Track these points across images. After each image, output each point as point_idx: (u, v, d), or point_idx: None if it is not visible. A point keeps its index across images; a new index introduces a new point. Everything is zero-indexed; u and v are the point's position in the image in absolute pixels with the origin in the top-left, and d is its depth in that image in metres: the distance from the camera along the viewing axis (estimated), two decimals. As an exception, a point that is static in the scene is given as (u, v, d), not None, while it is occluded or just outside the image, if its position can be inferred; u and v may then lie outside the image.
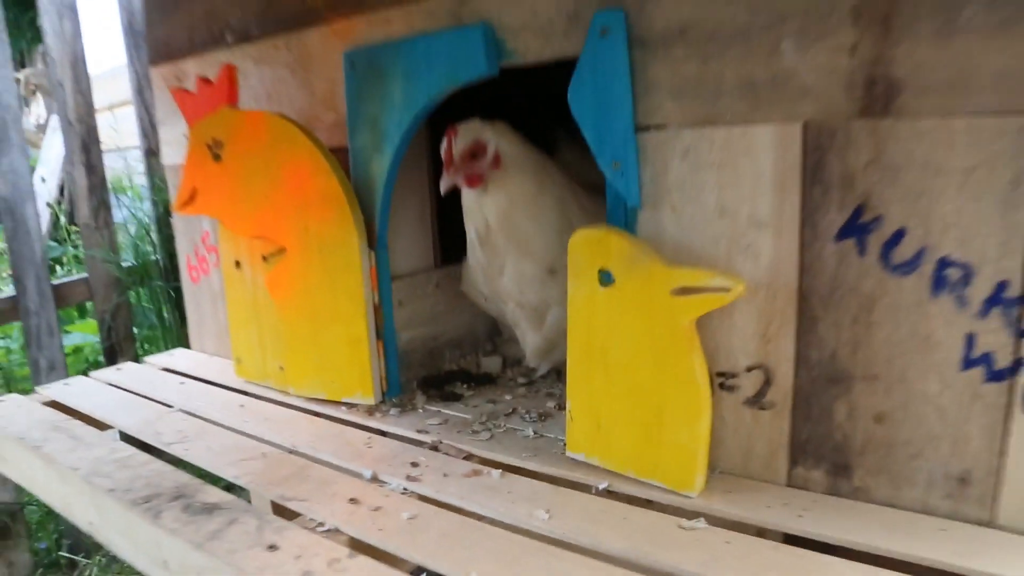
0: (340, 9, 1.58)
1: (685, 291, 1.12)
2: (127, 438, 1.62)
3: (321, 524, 1.18)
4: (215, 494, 1.28)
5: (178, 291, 2.97)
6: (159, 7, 2.01)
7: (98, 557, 2.88)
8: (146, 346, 3.12)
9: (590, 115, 1.26)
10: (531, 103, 1.95)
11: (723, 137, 1.16)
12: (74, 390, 1.94)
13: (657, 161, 1.23)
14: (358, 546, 1.11)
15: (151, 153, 2.96)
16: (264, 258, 1.65)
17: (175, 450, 1.50)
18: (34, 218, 2.78)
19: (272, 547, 1.10)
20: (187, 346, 2.33)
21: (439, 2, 1.42)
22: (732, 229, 1.18)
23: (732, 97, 1.15)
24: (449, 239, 1.79)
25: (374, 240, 1.55)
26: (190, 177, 1.69)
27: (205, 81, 1.65)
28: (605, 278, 1.19)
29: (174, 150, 2.09)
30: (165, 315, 3.00)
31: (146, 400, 1.82)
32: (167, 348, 2.79)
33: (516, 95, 1.87)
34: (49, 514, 3.04)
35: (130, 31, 2.89)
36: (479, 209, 1.50)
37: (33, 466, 1.61)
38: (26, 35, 5.91)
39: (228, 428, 1.59)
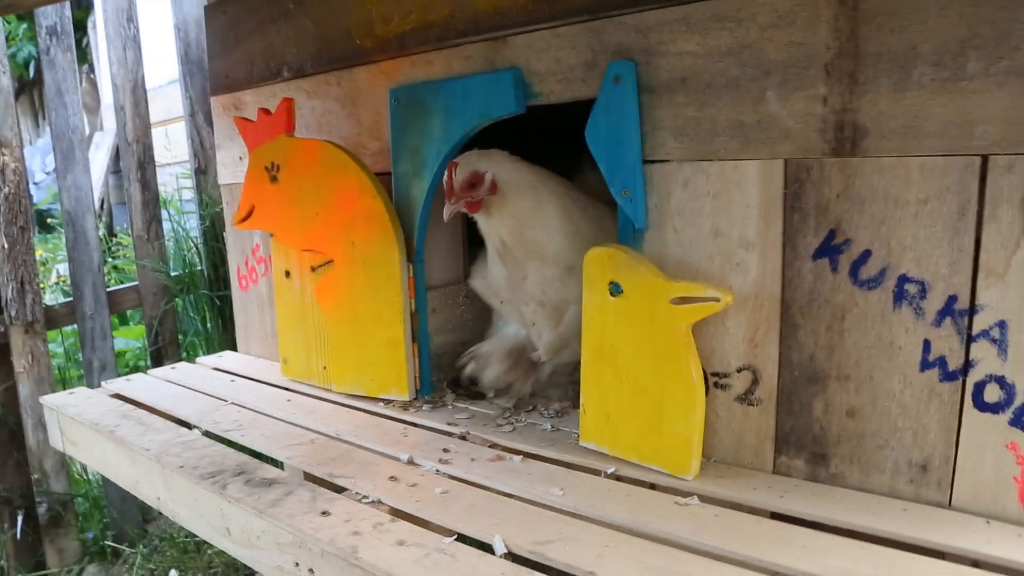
0: (387, 51, 1.79)
1: (682, 300, 1.31)
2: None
3: (365, 497, 1.36)
4: (272, 471, 1.48)
5: (221, 299, 3.19)
6: (222, 43, 2.24)
7: (141, 547, 3.08)
8: (189, 351, 3.34)
9: (604, 149, 1.46)
10: (558, 133, 2.15)
11: (717, 170, 1.36)
12: (136, 385, 2.15)
13: (661, 190, 1.42)
14: (398, 514, 1.29)
15: (200, 171, 3.20)
16: (312, 269, 1.85)
17: (232, 436, 1.69)
18: (93, 229, 3.02)
19: (325, 513, 1.30)
20: (232, 349, 2.53)
21: (475, 48, 1.63)
22: (725, 248, 1.36)
23: (725, 137, 1.34)
24: (476, 256, 2.00)
25: (412, 254, 1.75)
26: (248, 196, 1.91)
27: (265, 112, 1.86)
28: (615, 289, 1.39)
29: (229, 171, 2.31)
30: (208, 322, 3.22)
31: (201, 394, 2.02)
32: (209, 352, 3.01)
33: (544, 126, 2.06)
34: (95, 506, 3.25)
35: (185, 60, 3.14)
36: (493, 230, 1.67)
37: (105, 449, 1.82)
38: (77, 48, 6.22)
39: (277, 419, 1.79)
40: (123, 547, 3.13)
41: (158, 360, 3.22)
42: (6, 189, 2.81)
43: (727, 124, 1.34)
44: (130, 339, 3.90)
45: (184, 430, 1.74)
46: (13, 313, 2.87)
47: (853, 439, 1.30)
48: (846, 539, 1.15)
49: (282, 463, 1.62)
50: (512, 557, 1.14)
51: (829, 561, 1.08)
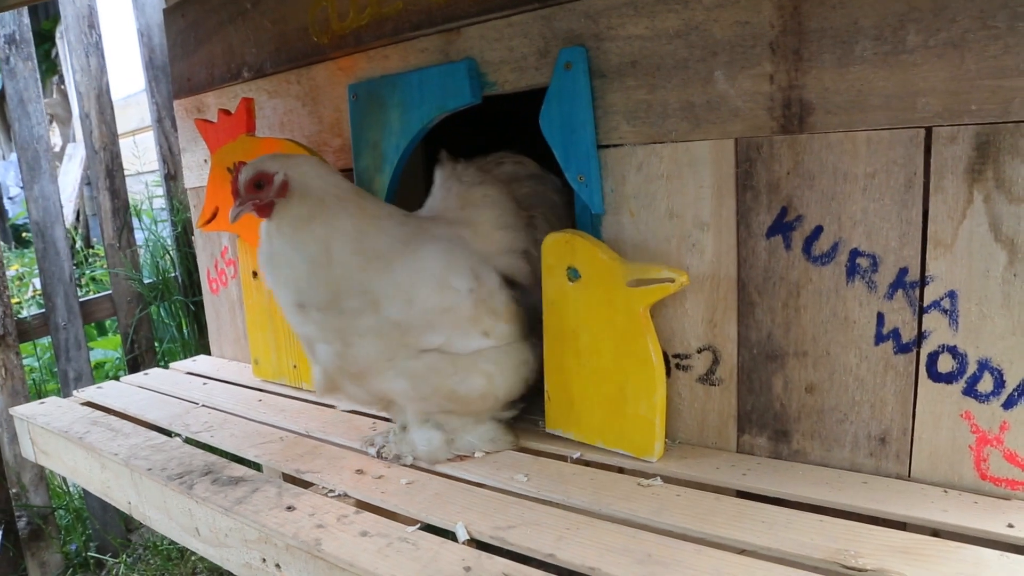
0: (344, 47, 1.79)
1: (639, 283, 1.31)
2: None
3: (332, 491, 1.37)
4: (240, 469, 1.47)
5: (196, 305, 3.18)
6: (182, 46, 2.23)
7: (124, 556, 3.07)
8: (167, 358, 3.32)
9: (558, 136, 1.46)
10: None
11: (670, 152, 1.36)
12: (107, 392, 2.14)
13: (616, 174, 1.43)
14: (363, 506, 1.30)
15: (169, 177, 3.18)
16: (279, 268, 1.85)
17: (202, 437, 1.69)
18: (63, 239, 2.99)
19: (290, 508, 1.30)
20: (206, 355, 2.53)
21: (430, 40, 1.63)
22: (680, 230, 1.37)
23: (676, 118, 1.35)
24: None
25: (376, 249, 1.75)
26: (212, 197, 1.90)
27: (225, 112, 1.86)
28: (572, 274, 1.39)
29: (195, 174, 2.30)
30: (184, 328, 3.21)
31: (173, 398, 2.01)
32: (186, 358, 2.99)
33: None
34: (77, 518, 3.23)
35: (150, 65, 3.12)
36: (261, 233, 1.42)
37: (76, 456, 1.81)
38: (40, 66, 6.17)
39: (248, 419, 1.79)
40: (106, 558, 3.11)
41: (135, 368, 3.19)
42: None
43: (678, 106, 1.34)
44: (108, 349, 3.88)
45: (154, 434, 1.73)
46: (-16, 326, 2.85)
47: (813, 415, 1.31)
48: (807, 513, 1.16)
49: (261, 464, 1.62)
50: (474, 543, 1.14)
51: (788, 535, 1.09)
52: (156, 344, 3.32)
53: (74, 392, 2.17)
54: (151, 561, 3.05)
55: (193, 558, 3.01)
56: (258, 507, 1.31)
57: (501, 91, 1.55)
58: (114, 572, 3.03)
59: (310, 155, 1.56)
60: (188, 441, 1.67)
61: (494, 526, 1.17)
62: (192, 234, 3.07)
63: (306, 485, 1.40)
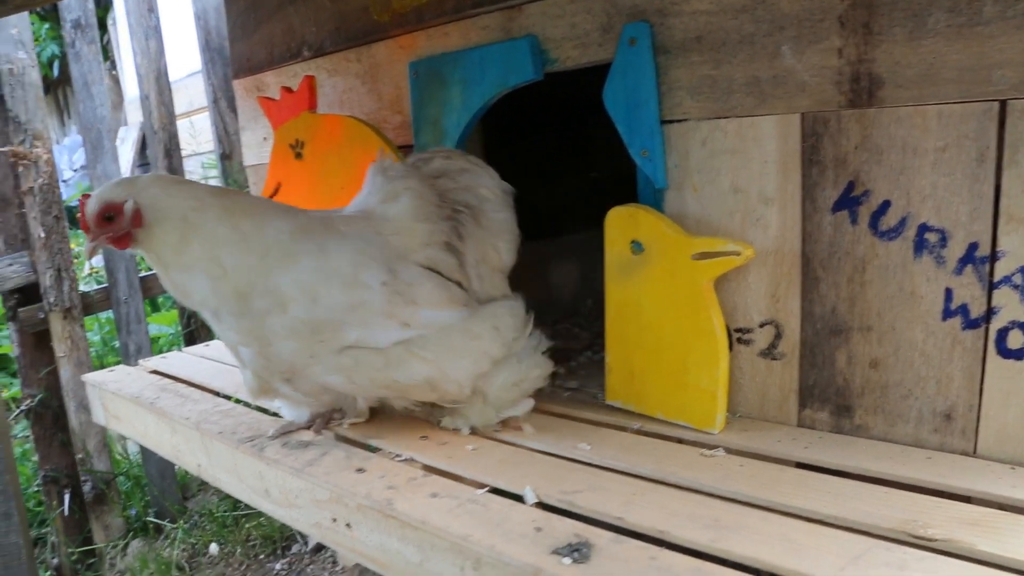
0: (404, 25, 1.82)
1: (704, 256, 1.33)
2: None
3: (398, 455, 1.41)
4: (307, 434, 1.52)
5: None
6: (242, 27, 2.28)
7: (181, 522, 3.18)
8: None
9: (621, 111, 1.47)
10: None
11: (734, 127, 1.37)
12: (171, 362, 2.21)
13: (680, 149, 1.44)
14: (430, 470, 1.34)
15: (225, 157, 3.26)
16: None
17: (267, 405, 1.74)
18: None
19: (360, 470, 1.34)
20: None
21: (492, 18, 1.65)
22: (744, 204, 1.38)
23: (741, 94, 1.35)
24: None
25: (438, 224, 1.79)
26: (274, 173, 1.95)
27: (288, 90, 1.90)
28: (635, 247, 1.41)
29: (254, 152, 2.36)
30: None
31: (235, 368, 2.07)
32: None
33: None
34: (137, 485, 3.35)
35: (206, 48, 3.19)
36: (150, 264, 1.40)
37: (146, 421, 1.88)
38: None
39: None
40: (164, 523, 3.22)
41: (191, 342, 3.29)
42: (40, 180, 2.89)
43: (743, 81, 1.35)
44: (163, 325, 3.99)
45: (221, 400, 1.79)
46: (52, 300, 2.96)
47: (877, 390, 1.31)
48: (872, 485, 1.17)
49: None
50: (542, 506, 1.17)
51: (855, 505, 1.10)
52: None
53: (139, 362, 2.24)
54: (207, 527, 3.16)
55: (247, 525, 3.11)
56: (328, 469, 1.36)
57: (563, 67, 1.57)
58: (172, 537, 3.15)
59: (156, 174, 1.54)
60: (257, 408, 1.73)
61: (561, 490, 1.20)
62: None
63: (373, 450, 1.44)
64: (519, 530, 1.10)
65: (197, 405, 1.78)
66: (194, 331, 3.30)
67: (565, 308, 2.29)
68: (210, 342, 2.44)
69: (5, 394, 2.99)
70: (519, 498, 1.20)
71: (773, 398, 1.42)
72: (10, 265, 2.94)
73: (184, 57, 3.74)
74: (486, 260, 1.54)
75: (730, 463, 1.27)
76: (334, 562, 2.85)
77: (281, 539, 3.04)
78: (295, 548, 3.00)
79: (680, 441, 1.38)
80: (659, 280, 1.38)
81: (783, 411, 1.42)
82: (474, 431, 1.48)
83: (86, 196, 1.33)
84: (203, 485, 3.47)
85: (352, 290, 1.35)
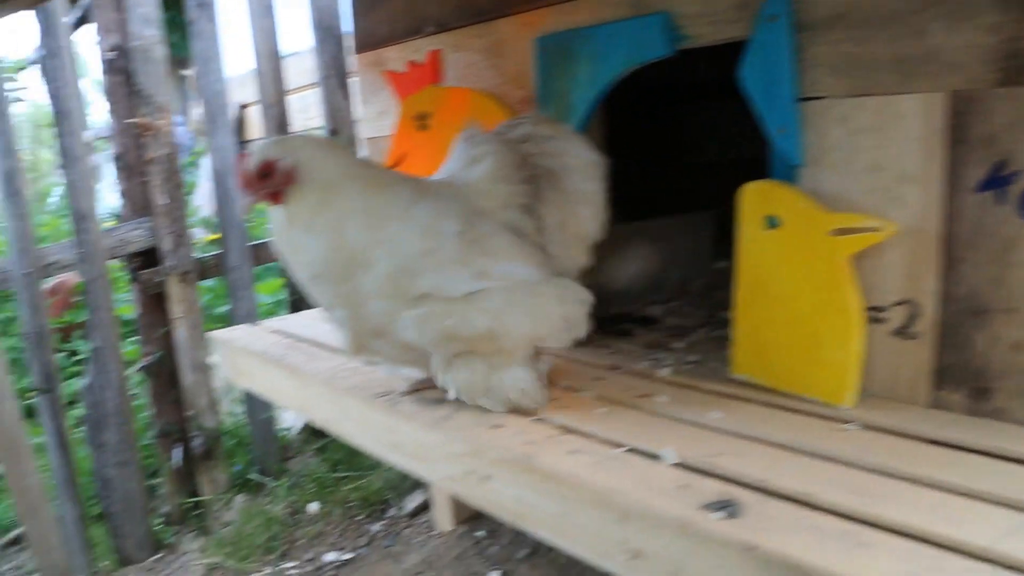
0: (531, 2, 1.86)
1: (843, 231, 1.34)
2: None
3: (530, 416, 1.46)
4: (439, 393, 1.59)
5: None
6: (365, 4, 2.36)
7: (284, 480, 3.33)
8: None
9: (758, 89, 1.49)
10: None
11: (876, 105, 1.37)
12: (290, 323, 2.32)
13: (817, 127, 1.44)
14: (566, 430, 1.39)
15: (333, 132, 3.37)
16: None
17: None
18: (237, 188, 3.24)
19: (496, 426, 1.41)
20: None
21: (622, -6, 1.68)
22: (883, 183, 1.38)
23: (885, 71, 1.35)
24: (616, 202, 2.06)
25: (560, 196, 1.83)
26: (399, 144, 2.03)
27: (414, 64, 1.97)
28: (771, 222, 1.43)
29: (372, 125, 2.44)
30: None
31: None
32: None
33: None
34: (240, 444, 3.52)
35: (318, 26, 3.30)
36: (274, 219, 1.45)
37: (275, 376, 1.99)
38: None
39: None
40: (267, 480, 3.38)
41: (296, 310, 3.43)
42: (163, 150, 3.05)
43: (887, 59, 1.34)
44: (264, 294, 4.16)
45: (346, 359, 1.88)
46: (170, 264, 3.13)
47: (1018, 373, 1.30)
48: (1018, 466, 1.16)
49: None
50: (682, 467, 1.21)
51: (1007, 483, 1.10)
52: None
53: (260, 323, 2.36)
54: (308, 487, 3.31)
55: (345, 487, 3.24)
56: (464, 425, 1.43)
57: (695, 44, 1.59)
58: (273, 494, 3.30)
59: (307, 136, 1.57)
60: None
61: (700, 453, 1.23)
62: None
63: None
64: (664, 486, 1.14)
65: (325, 362, 1.87)
66: (298, 299, 3.44)
67: (674, 288, 2.31)
68: (325, 307, 2.55)
69: (127, 352, 3.18)
70: (657, 460, 1.24)
71: (905, 378, 1.42)
72: (134, 230, 3.11)
73: (291, 35, 3.87)
74: (565, 226, 1.55)
75: (866, 437, 1.29)
76: (430, 527, 2.95)
77: (379, 502, 3.16)
78: (391, 511, 3.12)
79: (811, 415, 1.40)
80: (795, 255, 1.40)
81: (915, 391, 1.42)
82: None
83: (245, 152, 1.41)
84: (303, 447, 3.62)
85: (428, 237, 1.39)
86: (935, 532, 0.99)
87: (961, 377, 1.36)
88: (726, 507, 1.07)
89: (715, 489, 1.12)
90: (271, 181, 1.37)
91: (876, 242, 1.32)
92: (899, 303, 1.40)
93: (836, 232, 1.34)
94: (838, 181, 1.43)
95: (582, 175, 1.57)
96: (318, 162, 1.40)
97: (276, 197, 1.40)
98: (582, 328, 1.48)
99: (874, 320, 1.43)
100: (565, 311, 1.45)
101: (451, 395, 1.49)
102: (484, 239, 1.42)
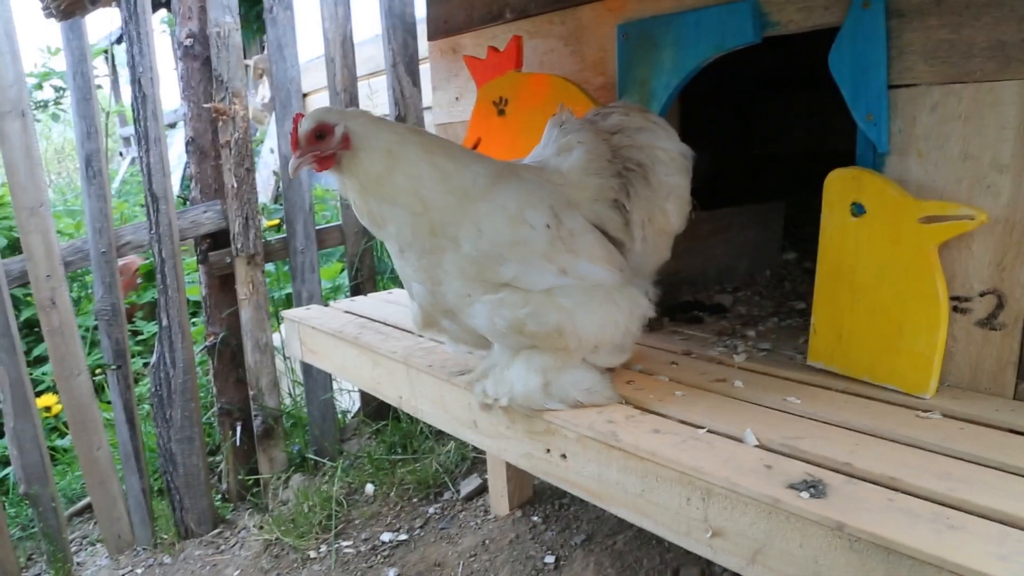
0: (614, -10, 1.88)
1: (932, 219, 1.33)
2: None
3: (609, 397, 1.48)
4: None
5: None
6: (441, -9, 2.40)
7: (341, 461, 3.40)
8: (385, 288, 3.61)
9: (848, 75, 1.48)
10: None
11: (971, 93, 1.35)
12: (361, 305, 2.37)
13: (906, 114, 1.43)
14: (645, 411, 1.40)
15: (400, 119, 3.42)
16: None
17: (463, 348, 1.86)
18: (304, 173, 3.31)
19: (577, 405, 1.42)
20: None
21: (709, -19, 1.68)
22: (974, 171, 1.36)
23: (982, 58, 1.33)
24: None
25: (635, 183, 1.85)
26: (475, 128, 2.06)
27: (494, 49, 2.00)
28: (857, 209, 1.42)
29: (444, 111, 2.48)
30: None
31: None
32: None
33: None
34: (297, 424, 3.60)
35: (388, 14, 3.35)
36: (345, 191, 1.45)
37: (347, 355, 2.04)
38: (252, 27, 6.69)
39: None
40: (324, 461, 3.46)
41: (357, 294, 3.50)
42: (236, 134, 3.14)
43: (985, 45, 1.33)
44: (324, 279, 4.24)
45: (420, 338, 1.92)
46: (239, 246, 3.22)
47: (1106, 365, 1.28)
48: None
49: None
50: (764, 449, 1.22)
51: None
52: (376, 277, 3.62)
53: (330, 303, 2.42)
54: (364, 468, 3.37)
55: (402, 470, 3.29)
56: (543, 403, 1.45)
57: (784, 31, 1.59)
58: (330, 475, 3.37)
59: (359, 109, 1.57)
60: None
61: (781, 436, 1.24)
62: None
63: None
64: (749, 466, 1.15)
65: (399, 342, 1.91)
66: (360, 283, 3.51)
67: (742, 277, 2.31)
68: (392, 290, 2.60)
69: (191, 332, 3.27)
70: (738, 442, 1.25)
71: (988, 369, 1.41)
72: (205, 212, 3.21)
73: (359, 23, 3.94)
74: (653, 221, 1.53)
75: (949, 425, 1.28)
76: (486, 511, 2.99)
77: (434, 485, 3.21)
78: (447, 495, 3.16)
79: (891, 403, 1.39)
80: (881, 243, 1.39)
81: (998, 382, 1.40)
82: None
83: (300, 115, 1.42)
84: (359, 429, 3.69)
85: (516, 226, 1.38)
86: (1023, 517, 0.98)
87: (1049, 370, 1.34)
88: (813, 487, 1.07)
89: (799, 470, 1.13)
90: (325, 144, 1.39)
91: (967, 231, 1.31)
92: (985, 293, 1.39)
93: (925, 220, 1.33)
94: (926, 169, 1.42)
95: (670, 168, 1.55)
96: (372, 129, 1.41)
97: (327, 162, 1.41)
98: (634, 340, 1.52)
99: (958, 310, 1.42)
100: (630, 323, 1.47)
101: (503, 402, 1.46)
102: (571, 236, 1.41)
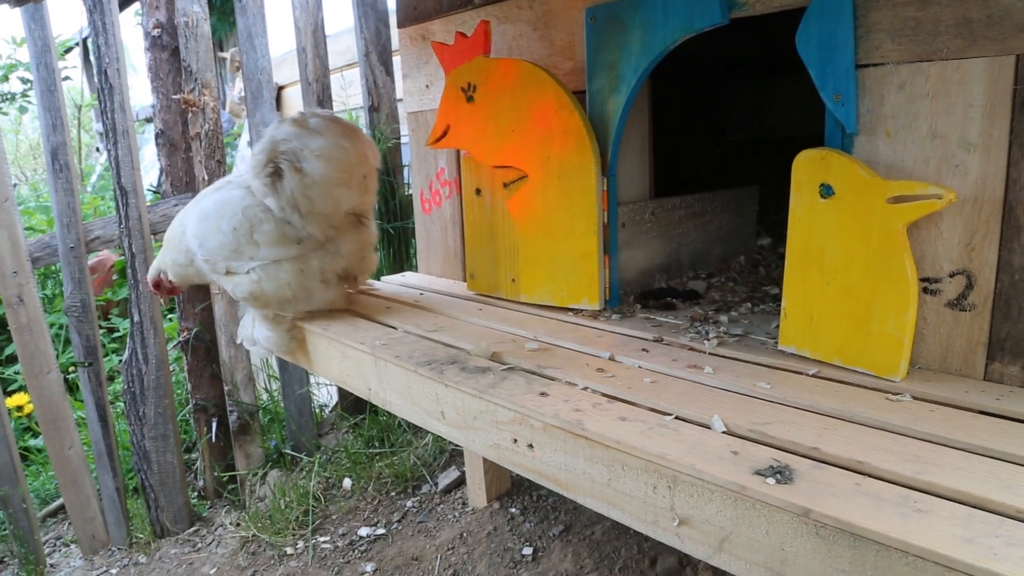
0: (580, -29, 1.84)
1: (900, 199, 1.31)
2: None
3: (575, 385, 1.46)
4: (482, 361, 1.60)
5: (390, 231, 3.38)
6: (409, -24, 2.35)
7: (317, 456, 3.36)
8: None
9: (815, 55, 1.46)
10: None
11: (938, 71, 1.33)
12: (333, 298, 2.33)
13: (874, 93, 1.41)
14: (612, 399, 1.38)
15: (373, 109, 3.38)
16: (505, 185, 1.95)
17: (435, 336, 1.83)
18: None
19: (543, 394, 1.40)
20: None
21: (676, -39, 1.65)
22: (942, 150, 1.35)
23: (948, 35, 1.32)
24: (660, 176, 2.05)
25: (606, 168, 1.82)
26: (444, 116, 2.02)
27: (462, 35, 1.96)
28: (825, 191, 1.40)
29: (415, 99, 2.44)
30: (381, 251, 3.43)
31: (397, 303, 2.18)
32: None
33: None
34: (274, 419, 3.56)
35: (361, 2, 3.30)
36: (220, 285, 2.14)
37: (316, 347, 2.00)
38: (229, 19, 6.63)
39: (473, 323, 1.92)
40: (301, 456, 3.42)
41: (332, 287, 3.46)
42: (207, 126, 3.08)
43: (952, 22, 1.31)
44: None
45: (389, 329, 1.89)
46: (210, 239, 3.16)
47: (1078, 345, 1.27)
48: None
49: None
50: (731, 435, 1.20)
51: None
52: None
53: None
54: (342, 463, 3.34)
55: (379, 464, 3.26)
56: (511, 392, 1.42)
57: (752, 12, 1.56)
58: (307, 470, 3.34)
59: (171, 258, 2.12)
60: (424, 337, 1.81)
61: (750, 421, 1.22)
62: (394, 163, 3.26)
63: (550, 379, 1.50)
64: (715, 452, 1.13)
65: (367, 333, 1.88)
66: (335, 276, 3.47)
67: (716, 263, 2.29)
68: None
69: (165, 327, 3.22)
70: (706, 428, 1.23)
71: (958, 350, 1.40)
72: (175, 206, 3.15)
73: (335, 14, 3.89)
74: (299, 206, 1.89)
75: (919, 408, 1.26)
76: (464, 503, 2.96)
77: (412, 479, 3.18)
78: (425, 488, 3.13)
79: (861, 386, 1.38)
80: (849, 224, 1.37)
81: (968, 364, 1.39)
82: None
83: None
84: (337, 423, 3.65)
85: (217, 236, 1.92)
86: (991, 499, 0.97)
87: (1017, 349, 1.33)
88: (780, 472, 1.05)
89: (767, 456, 1.11)
90: (164, 283, 2.18)
91: (935, 210, 1.29)
92: (954, 274, 1.37)
93: (894, 200, 1.32)
94: (895, 149, 1.40)
95: (314, 161, 1.87)
96: (178, 261, 2.10)
97: (175, 291, 2.24)
98: (322, 295, 2.02)
99: (928, 291, 1.40)
100: (303, 281, 1.96)
101: (237, 341, 2.23)
102: (253, 230, 1.90)
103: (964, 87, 1.31)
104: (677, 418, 1.27)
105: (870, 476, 1.05)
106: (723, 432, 1.20)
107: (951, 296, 1.38)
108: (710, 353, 1.59)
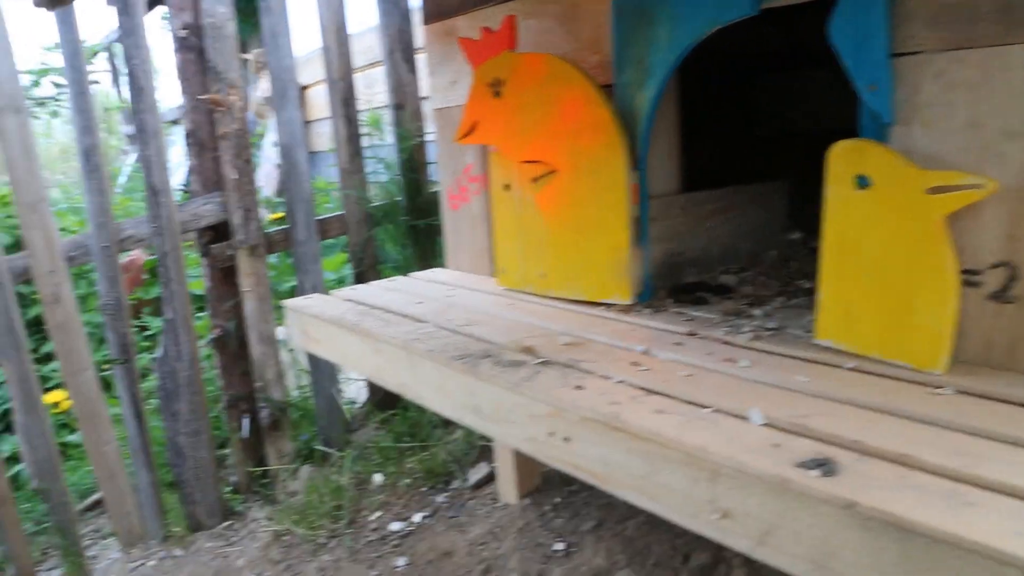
0: (608, -35, 1.83)
1: (940, 189, 1.29)
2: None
3: (609, 378, 1.46)
4: (517, 355, 1.60)
5: (416, 228, 3.40)
6: (435, -27, 2.36)
7: (349, 451, 3.39)
8: (387, 276, 3.59)
9: (849, 45, 1.44)
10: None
11: (977, 58, 1.31)
12: (361, 293, 2.35)
13: (909, 83, 1.39)
14: (649, 391, 1.37)
15: (398, 107, 3.39)
16: (534, 180, 1.95)
17: (468, 331, 1.83)
18: (304, 162, 3.28)
19: (579, 387, 1.40)
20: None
21: (706, -48, 1.64)
22: (982, 140, 1.32)
23: (988, 21, 1.29)
24: (690, 170, 2.04)
25: (636, 162, 1.81)
26: (471, 112, 2.03)
27: (488, 30, 1.96)
28: (861, 182, 1.39)
29: (441, 96, 2.45)
30: (407, 248, 3.45)
31: (427, 299, 2.19)
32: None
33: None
34: (304, 416, 3.60)
35: (383, 0, 3.32)
36: None
37: (348, 342, 2.02)
38: (252, 20, 6.66)
39: (505, 317, 1.92)
40: (332, 451, 3.45)
41: (360, 283, 3.48)
42: (234, 126, 3.11)
43: (991, 8, 1.29)
44: (327, 270, 4.22)
45: (422, 324, 1.90)
46: (240, 238, 3.20)
47: (1125, 335, 1.25)
48: None
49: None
50: (771, 428, 1.19)
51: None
52: (378, 266, 3.60)
53: (331, 292, 2.40)
54: (373, 458, 3.36)
55: (410, 459, 3.28)
56: (546, 386, 1.43)
57: (782, 2, 1.55)
58: (338, 465, 3.37)
59: None
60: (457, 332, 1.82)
61: (789, 414, 1.21)
62: (421, 160, 3.28)
63: (584, 373, 1.50)
64: (756, 445, 1.12)
65: (400, 327, 1.89)
66: (363, 272, 3.49)
67: (746, 258, 2.28)
68: (394, 278, 2.58)
69: (197, 325, 3.27)
70: (745, 421, 1.22)
71: (1001, 343, 1.38)
72: (205, 205, 3.19)
73: (359, 12, 3.91)
74: None
75: (963, 401, 1.25)
76: (494, 499, 2.97)
77: (443, 474, 3.19)
78: (455, 483, 3.15)
79: (901, 380, 1.36)
80: (887, 215, 1.36)
81: (1012, 357, 1.37)
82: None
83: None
84: (367, 419, 3.68)
85: None
86: (1047, 493, 0.96)
87: (1063, 342, 1.31)
88: (823, 465, 1.04)
89: (809, 448, 1.10)
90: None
91: (975, 200, 1.27)
92: (996, 265, 1.35)
93: (933, 191, 1.30)
94: (932, 139, 1.38)
95: None
96: None
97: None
98: None
99: (969, 283, 1.38)
100: None
101: None
102: None
103: (1005, 74, 1.29)
104: (715, 411, 1.26)
105: (916, 469, 1.04)
106: (763, 424, 1.20)
107: (993, 288, 1.36)
108: (745, 347, 1.58)
